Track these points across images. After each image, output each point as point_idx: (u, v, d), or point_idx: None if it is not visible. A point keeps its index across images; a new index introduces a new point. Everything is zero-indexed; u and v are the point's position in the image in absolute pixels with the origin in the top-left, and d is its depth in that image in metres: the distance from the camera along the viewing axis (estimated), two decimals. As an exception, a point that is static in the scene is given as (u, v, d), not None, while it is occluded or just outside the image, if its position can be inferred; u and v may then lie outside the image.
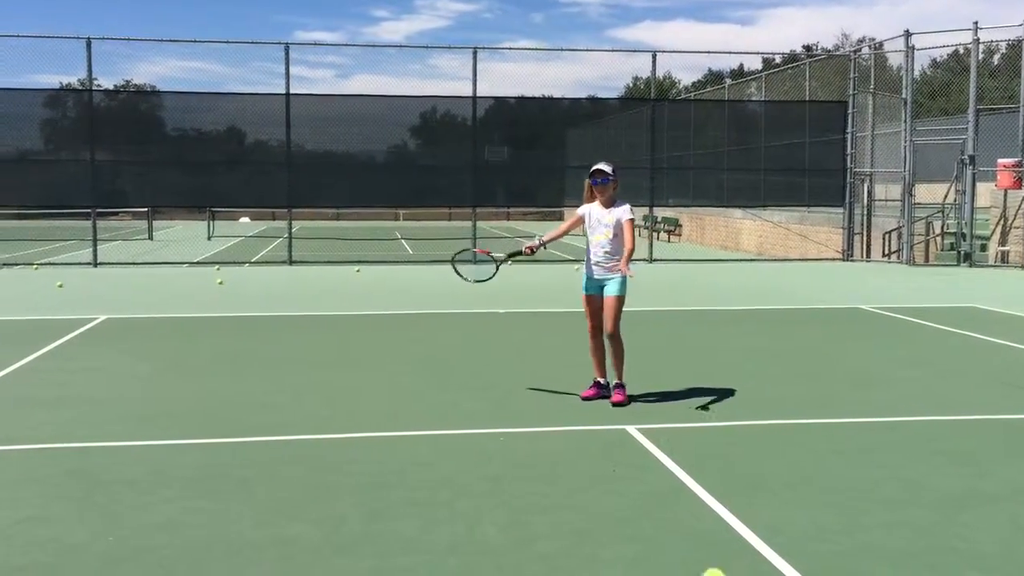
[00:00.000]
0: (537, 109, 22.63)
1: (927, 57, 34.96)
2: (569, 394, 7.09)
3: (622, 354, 6.84)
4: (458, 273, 7.39)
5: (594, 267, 6.80)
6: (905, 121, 19.79)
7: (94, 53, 18.44)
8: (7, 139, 19.81)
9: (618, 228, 6.71)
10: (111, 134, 19.77)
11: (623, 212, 6.74)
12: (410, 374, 8.06)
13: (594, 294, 6.84)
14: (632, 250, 6.71)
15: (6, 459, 5.55)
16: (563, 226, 7.13)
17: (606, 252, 6.73)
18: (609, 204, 6.79)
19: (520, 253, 7.02)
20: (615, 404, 6.75)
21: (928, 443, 5.97)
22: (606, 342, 6.86)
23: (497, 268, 7.25)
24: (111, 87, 24.06)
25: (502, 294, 13.96)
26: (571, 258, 22.05)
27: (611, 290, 6.75)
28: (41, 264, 19.34)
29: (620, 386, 6.86)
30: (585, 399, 6.90)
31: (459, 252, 7.48)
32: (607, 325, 6.77)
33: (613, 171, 6.77)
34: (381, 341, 9.92)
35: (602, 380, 7.00)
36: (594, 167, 6.78)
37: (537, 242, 6.90)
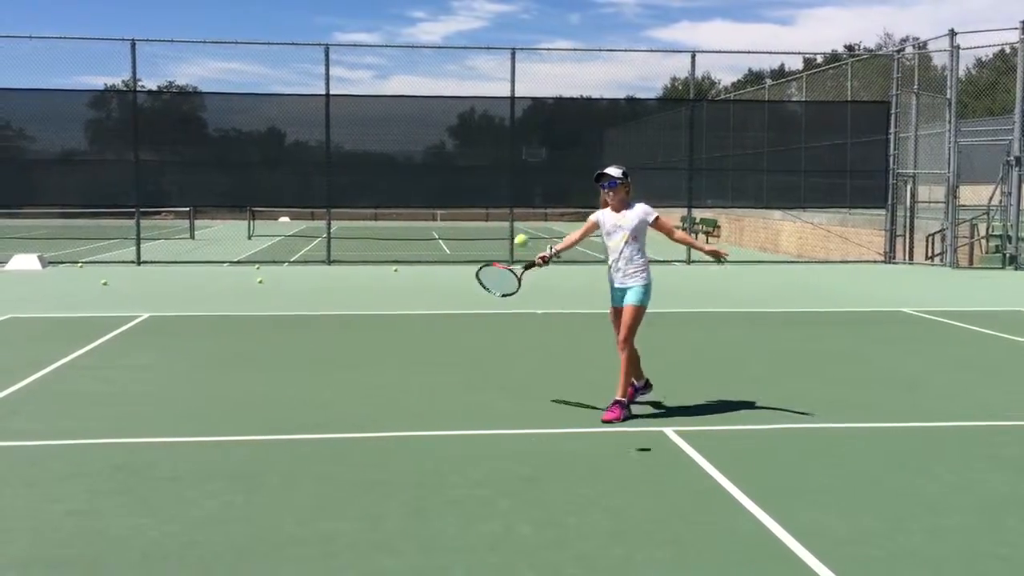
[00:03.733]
0: (575, 110, 22.60)
1: (972, 56, 34.38)
2: (606, 395, 7.07)
3: (633, 366, 6.50)
4: (484, 287, 7.02)
5: (615, 274, 6.53)
6: (949, 121, 19.48)
7: (138, 55, 18.75)
8: (53, 140, 20.21)
9: (637, 231, 6.47)
10: (154, 134, 20.08)
11: (644, 213, 6.50)
12: (449, 374, 8.10)
13: (620, 306, 6.54)
14: (686, 234, 6.61)
15: (54, 453, 5.68)
16: (576, 234, 6.74)
17: (625, 257, 6.47)
18: (621, 207, 6.52)
19: (533, 265, 6.69)
20: (605, 421, 6.32)
21: (972, 448, 5.89)
22: (620, 352, 6.48)
23: (519, 281, 6.90)
24: (154, 88, 24.43)
25: (539, 295, 13.97)
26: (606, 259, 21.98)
27: (631, 298, 6.44)
28: (86, 262, 19.70)
29: (619, 403, 6.43)
30: (606, 422, 6.40)
31: (481, 267, 7.17)
32: (622, 333, 6.43)
33: (624, 174, 6.51)
34: (420, 341, 9.97)
35: (636, 382, 6.72)
36: (601, 171, 6.54)
37: (549, 251, 6.60)
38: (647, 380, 6.85)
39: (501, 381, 7.85)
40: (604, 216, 6.61)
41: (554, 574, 3.94)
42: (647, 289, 6.51)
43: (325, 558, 4.09)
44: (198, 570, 3.97)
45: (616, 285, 6.56)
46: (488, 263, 7.13)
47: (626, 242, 6.48)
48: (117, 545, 4.23)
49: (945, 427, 6.43)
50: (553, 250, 6.67)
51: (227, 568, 4.00)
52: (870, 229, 21.72)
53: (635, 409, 6.70)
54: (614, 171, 6.56)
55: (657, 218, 6.58)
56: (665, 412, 6.66)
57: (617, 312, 6.59)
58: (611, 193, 6.53)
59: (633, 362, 6.60)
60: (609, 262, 6.60)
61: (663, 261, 21.11)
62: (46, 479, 5.14)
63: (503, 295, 7.01)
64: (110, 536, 4.33)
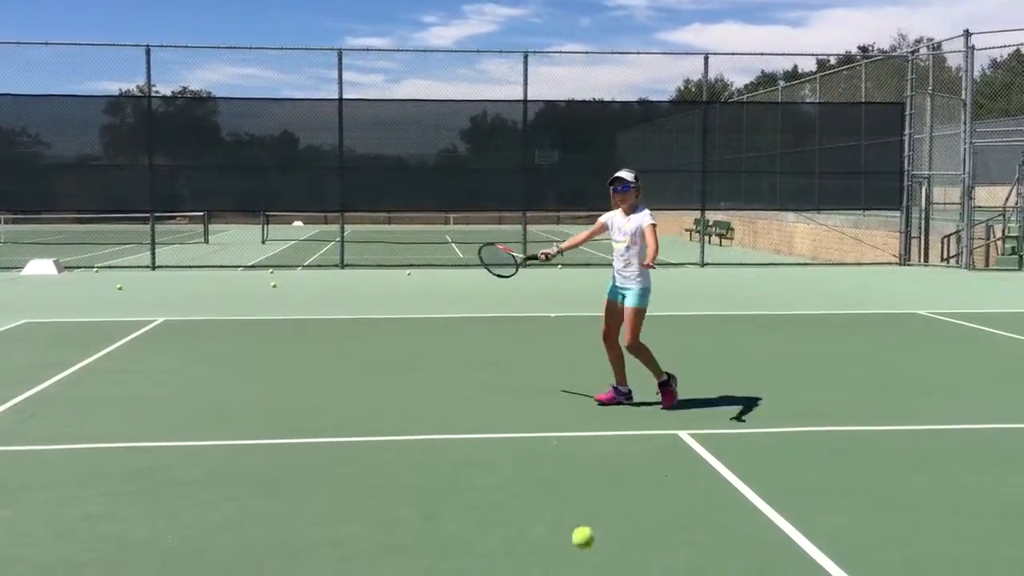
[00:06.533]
0: (587, 112, 22.60)
1: (987, 57, 34.21)
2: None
3: (650, 358, 6.73)
4: (484, 264, 7.29)
5: (616, 274, 6.79)
6: (964, 123, 19.38)
7: (152, 60, 18.85)
8: (68, 145, 20.33)
9: (637, 236, 6.65)
10: (168, 140, 20.20)
11: (643, 218, 6.67)
12: (463, 377, 8.10)
13: (614, 300, 6.82)
14: (655, 250, 6.55)
15: (73, 457, 5.70)
16: (583, 234, 7.05)
17: (624, 260, 6.70)
18: (630, 211, 6.73)
19: (535, 258, 6.96)
20: (665, 408, 6.71)
21: (991, 451, 5.84)
22: (627, 353, 6.79)
23: (516, 269, 7.17)
24: (168, 93, 24.54)
25: (553, 297, 13.96)
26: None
27: (629, 301, 6.69)
28: (101, 267, 19.81)
29: (664, 385, 6.76)
30: (600, 403, 6.86)
31: (485, 245, 7.43)
32: (624, 338, 6.69)
33: (635, 178, 6.72)
34: (433, 344, 9.98)
35: (622, 388, 6.94)
36: (615, 175, 6.76)
37: (554, 249, 6.86)
38: (630, 391, 6.98)
39: (515, 384, 7.83)
40: (613, 218, 6.84)
41: (571, 578, 3.93)
42: (644, 292, 6.71)
43: (340, 562, 4.10)
44: (215, 574, 3.98)
45: (617, 284, 6.80)
46: (492, 243, 7.28)
47: (627, 246, 6.69)
48: (134, 548, 4.24)
49: (963, 430, 6.39)
50: (558, 247, 6.86)
51: (243, 572, 4.00)
52: (885, 231, 21.61)
53: (650, 412, 6.70)
54: (627, 175, 6.77)
55: (652, 226, 6.64)
56: (680, 415, 6.63)
57: (611, 304, 6.83)
58: (622, 197, 6.73)
59: (620, 364, 6.91)
60: (613, 261, 6.84)
61: (675, 264, 21.07)
62: (64, 483, 5.17)
63: (500, 276, 7.23)
64: (127, 539, 4.34)
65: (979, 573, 4.00)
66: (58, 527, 4.50)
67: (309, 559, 4.12)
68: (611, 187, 6.74)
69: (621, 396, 6.93)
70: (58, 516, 4.65)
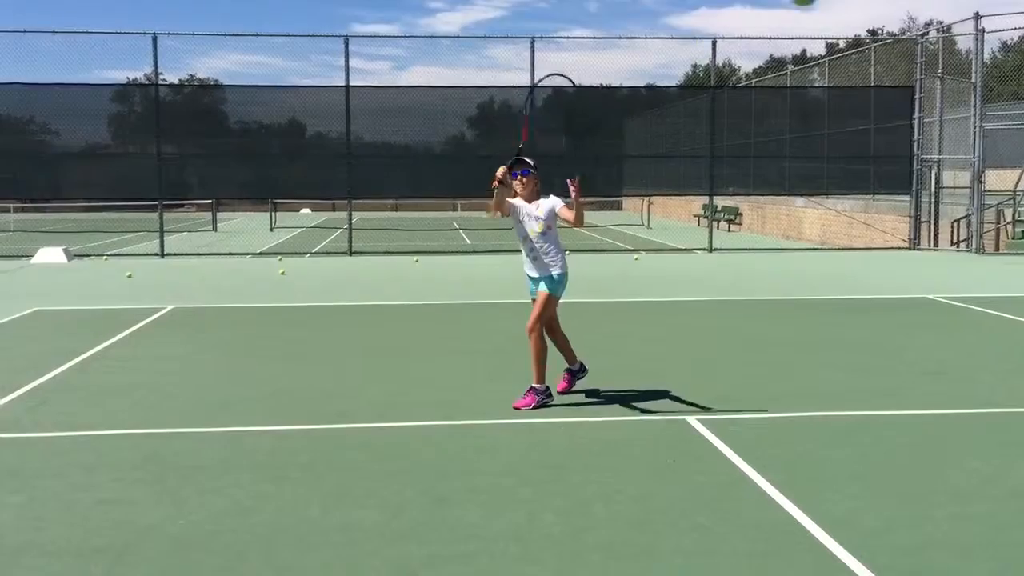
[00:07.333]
0: (595, 98, 22.52)
1: (997, 40, 33.92)
2: (628, 384, 7.07)
3: (537, 356, 6.41)
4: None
5: (532, 263, 6.48)
6: (974, 106, 19.25)
7: (159, 48, 18.86)
8: (77, 134, 20.38)
9: (551, 221, 6.43)
10: (176, 128, 20.22)
11: (554, 201, 6.43)
12: (470, 363, 8.11)
13: (535, 297, 6.55)
14: (571, 210, 6.30)
15: (82, 444, 5.74)
16: (507, 200, 6.52)
17: (540, 247, 6.42)
18: (532, 198, 6.48)
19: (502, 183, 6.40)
20: (516, 409, 6.41)
21: (1000, 435, 5.83)
22: (527, 335, 6.43)
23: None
24: (176, 82, 24.55)
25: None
26: (628, 247, 21.92)
27: (544, 286, 6.43)
28: (111, 255, 19.88)
29: (533, 389, 6.47)
30: (560, 392, 6.71)
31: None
32: (530, 318, 6.43)
33: (534, 166, 6.48)
34: (441, 330, 9.99)
35: (573, 367, 6.79)
36: (517, 157, 6.48)
37: (504, 174, 6.37)
38: (581, 363, 6.85)
39: (523, 370, 7.83)
40: (521, 206, 6.52)
41: (578, 562, 3.95)
42: (561, 278, 6.47)
43: (349, 546, 4.12)
44: (225, 558, 4.01)
45: (532, 275, 6.54)
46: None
47: (542, 232, 6.43)
48: (145, 534, 4.27)
49: (973, 414, 6.37)
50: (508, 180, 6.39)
51: (253, 556, 4.03)
52: (894, 215, 21.52)
53: (658, 399, 6.70)
54: (528, 160, 6.50)
55: (565, 206, 6.46)
56: (688, 401, 6.64)
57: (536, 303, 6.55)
58: (523, 181, 6.48)
59: (566, 347, 6.72)
60: (524, 252, 6.55)
61: (684, 249, 21.06)
62: (75, 469, 5.20)
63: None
64: (138, 525, 4.38)
65: (990, 557, 4.00)
66: (70, 513, 4.54)
67: (318, 543, 4.15)
68: (511, 171, 6.46)
69: (578, 375, 6.82)
70: (70, 502, 4.69)
